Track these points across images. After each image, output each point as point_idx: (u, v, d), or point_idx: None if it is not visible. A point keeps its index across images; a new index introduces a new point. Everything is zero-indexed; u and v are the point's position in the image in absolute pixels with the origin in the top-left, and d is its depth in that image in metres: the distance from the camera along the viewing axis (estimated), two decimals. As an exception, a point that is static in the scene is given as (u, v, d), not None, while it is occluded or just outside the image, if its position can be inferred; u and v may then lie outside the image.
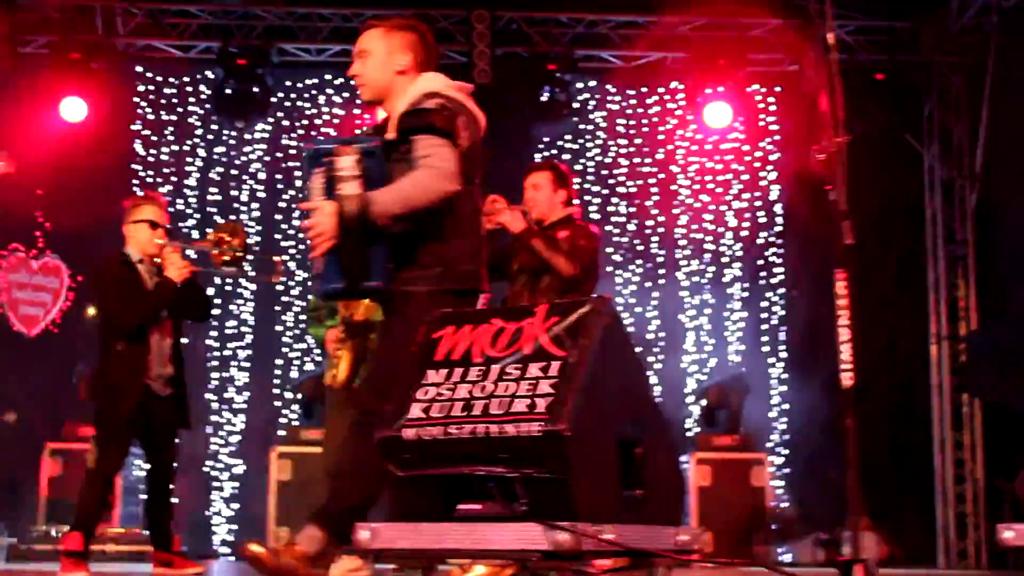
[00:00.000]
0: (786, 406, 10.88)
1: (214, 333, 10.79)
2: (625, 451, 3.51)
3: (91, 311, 10.74)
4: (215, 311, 9.66)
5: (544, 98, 10.82)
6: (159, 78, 11.41)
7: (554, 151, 11.20)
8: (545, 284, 6.22)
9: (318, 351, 10.81)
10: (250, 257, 7.24)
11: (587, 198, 11.08)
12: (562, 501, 3.23)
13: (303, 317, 10.89)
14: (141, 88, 11.37)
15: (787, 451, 10.75)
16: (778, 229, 11.17)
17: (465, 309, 4.00)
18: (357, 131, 4.42)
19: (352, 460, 4.24)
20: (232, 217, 11.00)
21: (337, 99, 11.47)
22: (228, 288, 10.86)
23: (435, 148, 4.05)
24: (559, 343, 3.39)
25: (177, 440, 6.60)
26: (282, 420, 10.77)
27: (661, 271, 11.14)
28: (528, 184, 6.49)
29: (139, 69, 11.36)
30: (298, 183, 11.19)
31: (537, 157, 10.93)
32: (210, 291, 8.62)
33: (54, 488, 9.45)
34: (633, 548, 3.31)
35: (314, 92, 11.48)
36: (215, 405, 10.73)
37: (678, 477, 3.91)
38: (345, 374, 6.44)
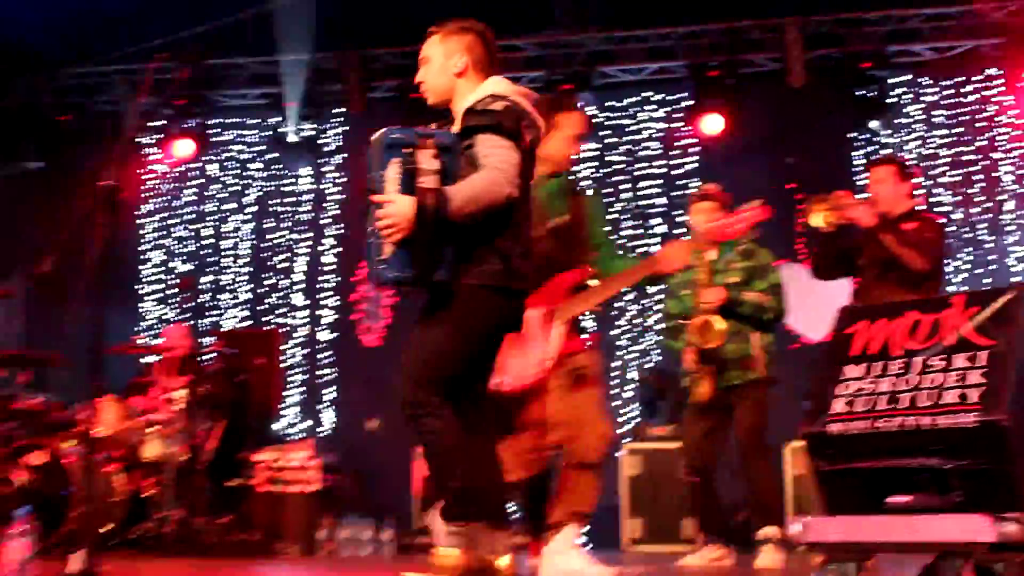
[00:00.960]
0: None
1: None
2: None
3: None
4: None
5: (859, 96, 10.52)
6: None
7: (872, 148, 10.81)
8: (894, 278, 6.01)
9: (656, 352, 10.85)
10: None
11: (909, 191, 10.64)
12: (1001, 491, 3.03)
13: (637, 321, 10.95)
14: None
15: None
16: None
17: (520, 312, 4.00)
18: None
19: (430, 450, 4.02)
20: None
21: (657, 114, 11.44)
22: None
23: (502, 150, 3.87)
24: (984, 332, 3.18)
25: None
26: (620, 419, 10.78)
27: (991, 257, 10.55)
28: (872, 179, 6.34)
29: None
30: (627, 195, 11.26)
31: (855, 156, 10.71)
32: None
33: (426, 485, 9.77)
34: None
35: (634, 109, 11.48)
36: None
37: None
38: (707, 395, 6.47)
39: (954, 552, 3.11)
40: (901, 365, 3.28)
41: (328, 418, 11.51)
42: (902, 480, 3.23)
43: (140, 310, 11.66)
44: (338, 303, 11.57)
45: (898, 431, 3.17)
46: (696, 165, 11.14)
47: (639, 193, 11.28)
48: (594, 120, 11.22)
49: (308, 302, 11.72)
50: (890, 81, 10.77)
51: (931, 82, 10.86)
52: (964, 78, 10.77)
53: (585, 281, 5.10)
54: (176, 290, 11.16)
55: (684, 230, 10.76)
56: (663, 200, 11.22)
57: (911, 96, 10.90)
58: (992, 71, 10.65)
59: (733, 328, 6.42)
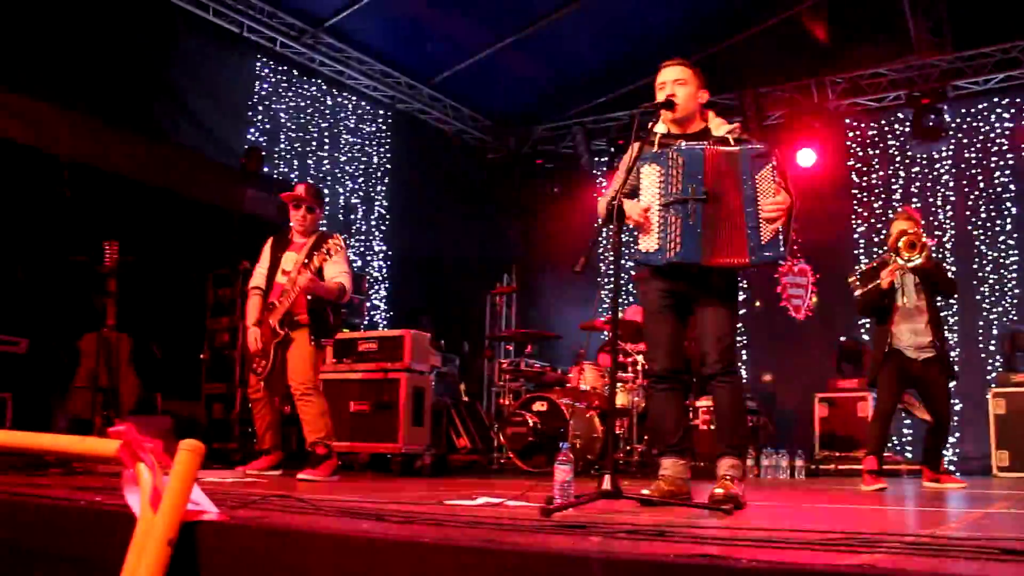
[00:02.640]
0: None
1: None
2: None
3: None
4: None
5: None
6: (862, 124, 11.63)
7: None
8: None
9: (1013, 314, 10.45)
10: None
11: None
12: None
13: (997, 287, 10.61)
14: (850, 134, 11.68)
15: None
16: None
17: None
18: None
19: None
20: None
21: (1005, 115, 10.97)
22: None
23: None
24: None
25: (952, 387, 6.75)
26: (988, 368, 10.48)
27: None
28: None
29: (847, 120, 11.67)
30: (981, 184, 10.86)
31: None
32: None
33: (823, 425, 9.98)
34: None
35: (985, 114, 11.09)
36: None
37: None
38: None
39: None
40: None
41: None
42: None
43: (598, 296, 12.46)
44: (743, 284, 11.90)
45: None
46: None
47: (993, 180, 10.85)
48: (952, 124, 10.94)
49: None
50: None
51: None
52: None
53: None
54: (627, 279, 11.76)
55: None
56: (1012, 186, 10.79)
57: None
58: None
59: None
